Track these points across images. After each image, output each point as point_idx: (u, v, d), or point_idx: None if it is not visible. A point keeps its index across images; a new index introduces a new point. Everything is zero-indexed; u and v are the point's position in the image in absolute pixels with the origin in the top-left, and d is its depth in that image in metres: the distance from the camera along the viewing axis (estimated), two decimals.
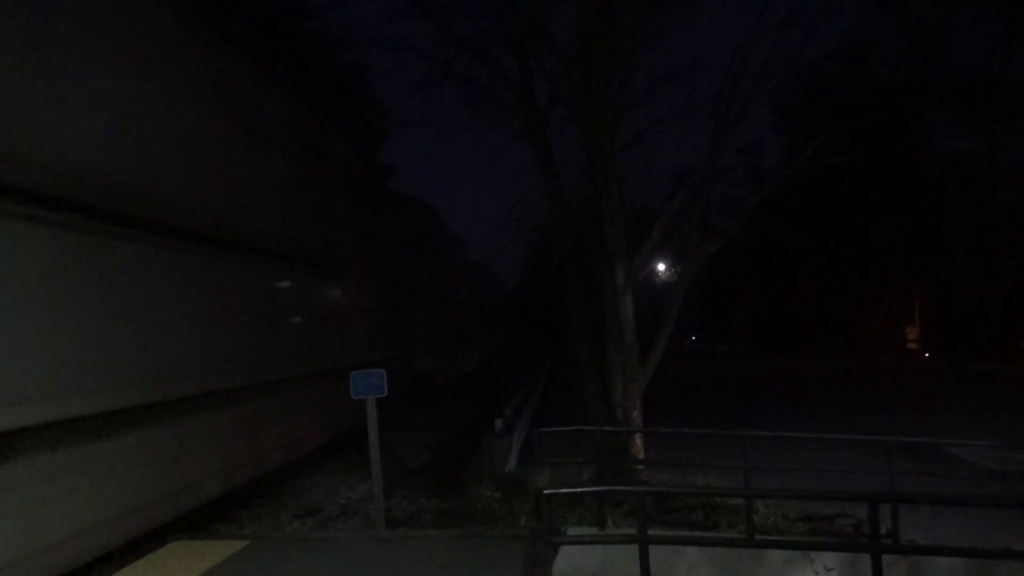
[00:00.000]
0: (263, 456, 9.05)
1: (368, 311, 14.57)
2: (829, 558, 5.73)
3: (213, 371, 7.76)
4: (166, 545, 6.37)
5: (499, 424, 9.71)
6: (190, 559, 5.94)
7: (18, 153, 5.06)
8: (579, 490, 6.70)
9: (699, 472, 8.79)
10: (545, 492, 4.93)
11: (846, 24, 29.11)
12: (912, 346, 34.01)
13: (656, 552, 4.48)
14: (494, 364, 36.61)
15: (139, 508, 6.26)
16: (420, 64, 10.30)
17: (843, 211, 32.87)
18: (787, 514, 7.21)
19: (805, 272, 38.19)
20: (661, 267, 18.39)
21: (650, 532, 4.59)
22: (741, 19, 10.42)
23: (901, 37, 30.50)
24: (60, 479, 5.33)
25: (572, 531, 6.43)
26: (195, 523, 7.26)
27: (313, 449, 10.88)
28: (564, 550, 5.70)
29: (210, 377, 7.68)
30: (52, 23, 5.59)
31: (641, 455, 8.72)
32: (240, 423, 8.39)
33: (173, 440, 6.87)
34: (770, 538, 6.03)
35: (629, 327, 8.87)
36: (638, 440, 8.75)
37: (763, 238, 37.77)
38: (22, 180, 5.07)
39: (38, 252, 5.28)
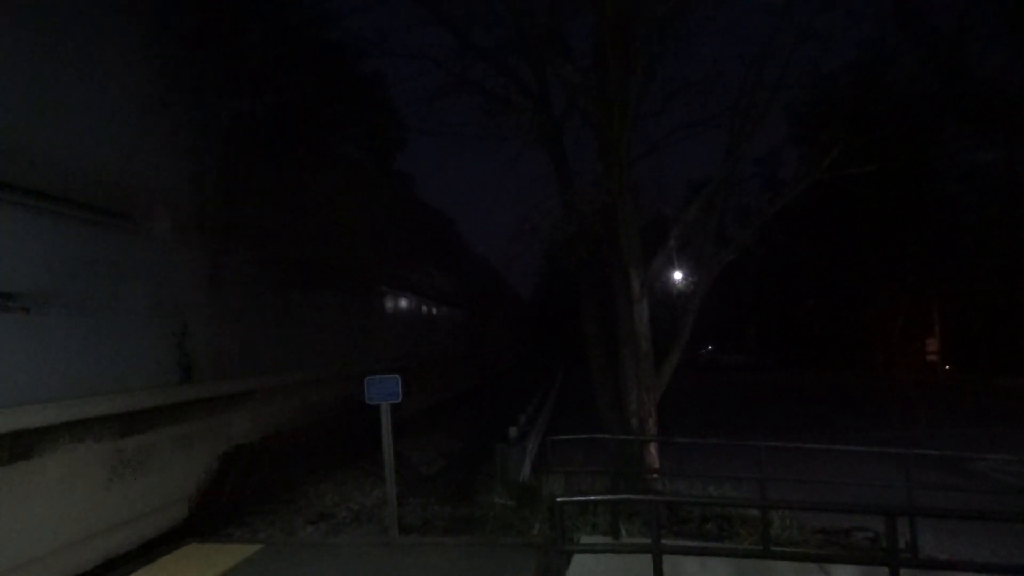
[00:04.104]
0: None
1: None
2: (846, 571, 5.65)
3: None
4: (180, 548, 6.41)
5: (513, 432, 9.68)
6: (204, 562, 5.97)
7: None
8: (593, 498, 6.66)
9: (714, 483, 8.70)
10: (558, 500, 4.89)
11: (864, 35, 28.87)
12: (931, 359, 33.57)
13: (670, 562, 4.46)
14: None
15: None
16: (436, 73, 10.40)
17: (860, 223, 32.56)
18: (803, 526, 7.12)
19: (822, 284, 37.83)
20: (676, 276, 18.36)
21: (664, 542, 4.56)
22: (758, 29, 10.45)
23: (920, 49, 30.27)
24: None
25: (585, 540, 6.39)
26: (210, 526, 7.30)
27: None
28: (577, 559, 5.68)
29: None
30: None
31: (656, 464, 8.66)
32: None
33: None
34: (785, 550, 5.95)
35: (644, 336, 8.82)
36: (653, 449, 8.70)
37: (779, 249, 37.43)
38: None
39: None
